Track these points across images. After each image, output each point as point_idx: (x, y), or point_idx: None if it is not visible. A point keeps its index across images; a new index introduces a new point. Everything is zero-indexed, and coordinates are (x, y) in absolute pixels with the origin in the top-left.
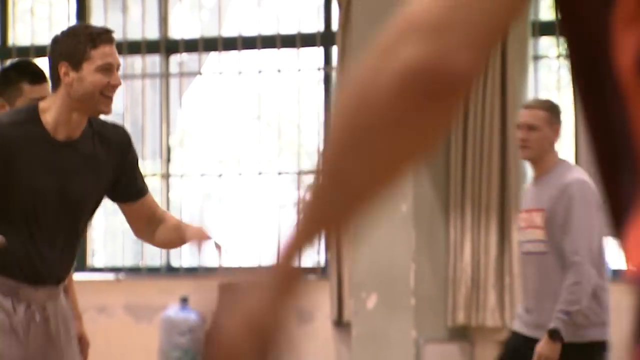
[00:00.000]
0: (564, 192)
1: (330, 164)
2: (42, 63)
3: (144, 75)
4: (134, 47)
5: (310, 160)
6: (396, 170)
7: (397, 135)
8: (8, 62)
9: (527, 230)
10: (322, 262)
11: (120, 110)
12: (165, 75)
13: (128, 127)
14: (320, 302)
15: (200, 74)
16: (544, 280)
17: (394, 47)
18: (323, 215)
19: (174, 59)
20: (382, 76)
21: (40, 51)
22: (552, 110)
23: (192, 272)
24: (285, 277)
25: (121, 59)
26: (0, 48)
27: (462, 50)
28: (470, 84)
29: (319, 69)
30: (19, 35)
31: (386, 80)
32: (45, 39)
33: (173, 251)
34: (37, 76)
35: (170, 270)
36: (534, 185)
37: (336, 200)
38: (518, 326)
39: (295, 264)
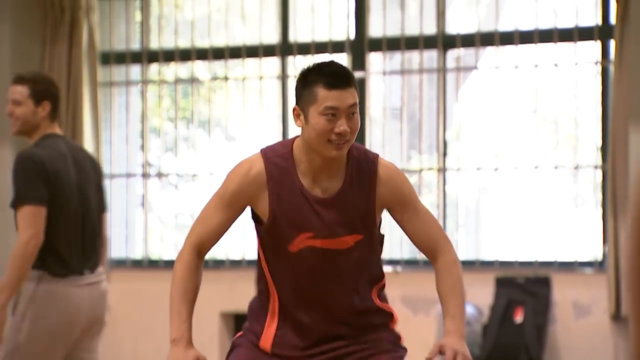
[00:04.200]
0: None
1: None
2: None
3: (421, 70)
4: (411, 43)
5: (586, 154)
6: None
7: None
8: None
9: None
10: (600, 256)
11: (398, 104)
12: (442, 70)
13: (405, 122)
14: (597, 296)
15: (476, 68)
16: None
17: None
18: None
19: (451, 53)
20: None
21: (320, 47)
22: None
23: (467, 265)
24: None
25: (399, 54)
26: (282, 45)
27: None
28: None
29: (596, 63)
30: (300, 31)
31: None
32: (324, 36)
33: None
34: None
35: None
36: None
37: None
38: None
39: None
